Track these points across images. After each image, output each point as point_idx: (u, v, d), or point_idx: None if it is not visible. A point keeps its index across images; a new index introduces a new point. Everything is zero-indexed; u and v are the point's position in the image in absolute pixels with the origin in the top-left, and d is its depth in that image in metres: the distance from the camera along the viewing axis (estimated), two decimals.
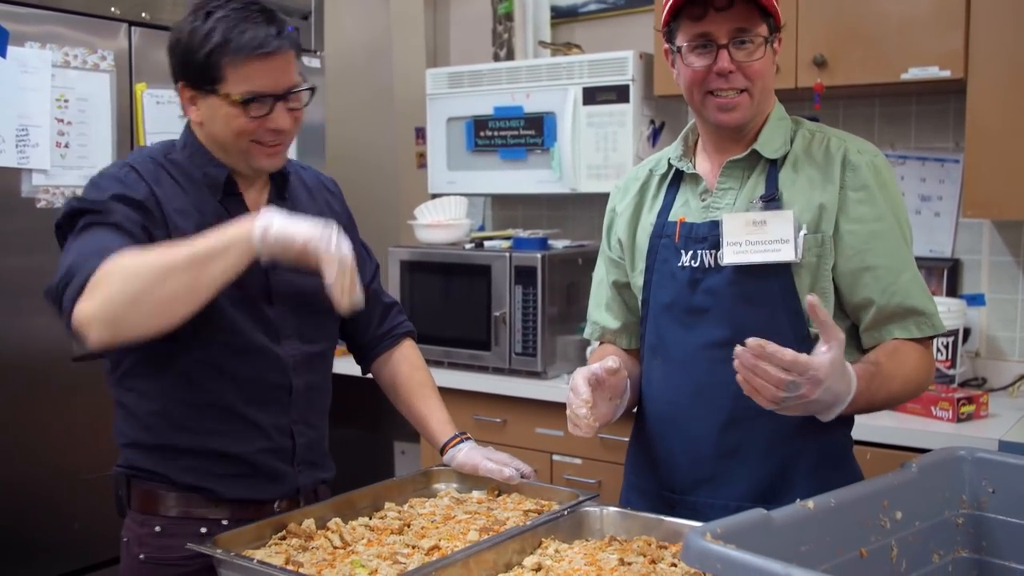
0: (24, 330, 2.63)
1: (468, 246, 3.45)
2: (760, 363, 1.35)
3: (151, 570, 1.66)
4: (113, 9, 2.79)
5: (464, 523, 1.62)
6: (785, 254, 1.59)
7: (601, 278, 1.88)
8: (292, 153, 1.83)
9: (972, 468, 1.46)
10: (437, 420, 1.87)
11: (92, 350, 1.48)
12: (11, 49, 2.57)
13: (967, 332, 2.90)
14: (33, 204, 2.63)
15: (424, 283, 3.45)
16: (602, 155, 3.29)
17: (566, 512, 1.62)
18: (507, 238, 3.41)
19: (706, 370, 1.65)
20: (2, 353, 2.59)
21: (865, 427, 2.27)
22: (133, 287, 1.41)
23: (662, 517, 1.59)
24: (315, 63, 3.34)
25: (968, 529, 1.45)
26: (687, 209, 1.71)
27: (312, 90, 1.68)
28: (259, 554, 1.48)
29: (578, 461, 3.05)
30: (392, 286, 3.44)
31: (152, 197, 1.61)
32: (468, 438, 1.83)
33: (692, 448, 1.68)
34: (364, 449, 4.04)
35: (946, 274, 3.03)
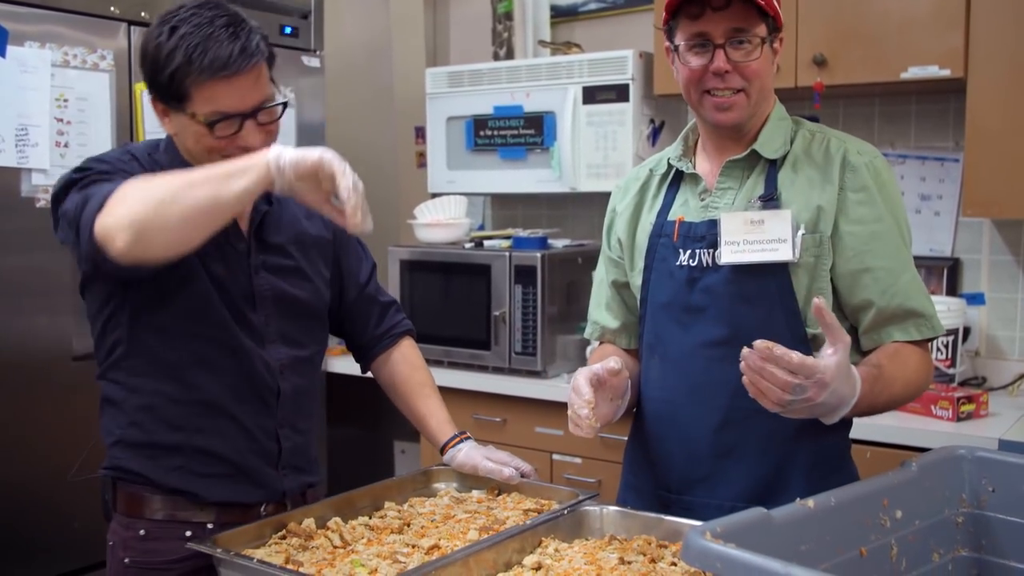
0: (24, 330, 2.63)
1: (468, 245, 3.44)
2: (767, 365, 1.35)
3: (136, 574, 1.65)
4: (113, 9, 2.79)
5: (464, 522, 1.62)
6: (782, 254, 1.58)
7: (601, 278, 1.88)
8: None
9: (972, 467, 1.46)
10: (437, 420, 1.87)
11: (117, 261, 1.42)
12: (11, 48, 2.57)
13: (967, 331, 2.90)
14: (33, 204, 2.63)
15: (424, 282, 3.45)
16: (602, 154, 3.29)
17: (566, 511, 1.62)
18: (507, 237, 3.41)
19: (703, 369, 1.65)
20: (2, 353, 2.59)
21: (865, 426, 2.27)
22: (157, 195, 1.40)
23: (662, 516, 1.59)
24: (315, 63, 3.34)
25: (968, 528, 1.45)
26: (686, 209, 1.71)
27: (284, 105, 1.62)
28: (259, 553, 1.48)
29: (578, 460, 3.05)
30: (392, 285, 3.44)
31: None
32: (468, 438, 1.83)
33: (688, 447, 1.68)
34: (364, 449, 4.04)
35: (946, 273, 3.03)
